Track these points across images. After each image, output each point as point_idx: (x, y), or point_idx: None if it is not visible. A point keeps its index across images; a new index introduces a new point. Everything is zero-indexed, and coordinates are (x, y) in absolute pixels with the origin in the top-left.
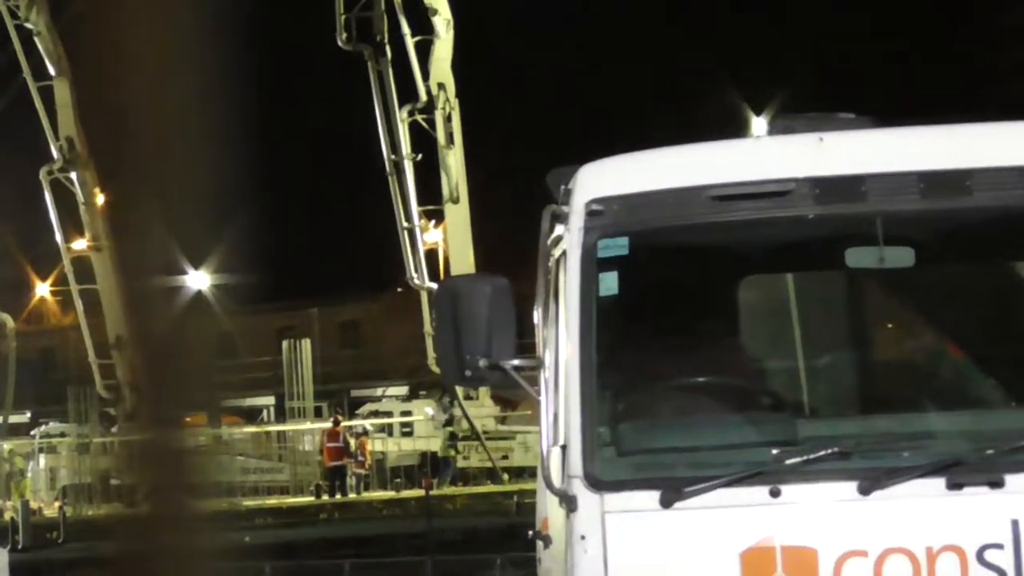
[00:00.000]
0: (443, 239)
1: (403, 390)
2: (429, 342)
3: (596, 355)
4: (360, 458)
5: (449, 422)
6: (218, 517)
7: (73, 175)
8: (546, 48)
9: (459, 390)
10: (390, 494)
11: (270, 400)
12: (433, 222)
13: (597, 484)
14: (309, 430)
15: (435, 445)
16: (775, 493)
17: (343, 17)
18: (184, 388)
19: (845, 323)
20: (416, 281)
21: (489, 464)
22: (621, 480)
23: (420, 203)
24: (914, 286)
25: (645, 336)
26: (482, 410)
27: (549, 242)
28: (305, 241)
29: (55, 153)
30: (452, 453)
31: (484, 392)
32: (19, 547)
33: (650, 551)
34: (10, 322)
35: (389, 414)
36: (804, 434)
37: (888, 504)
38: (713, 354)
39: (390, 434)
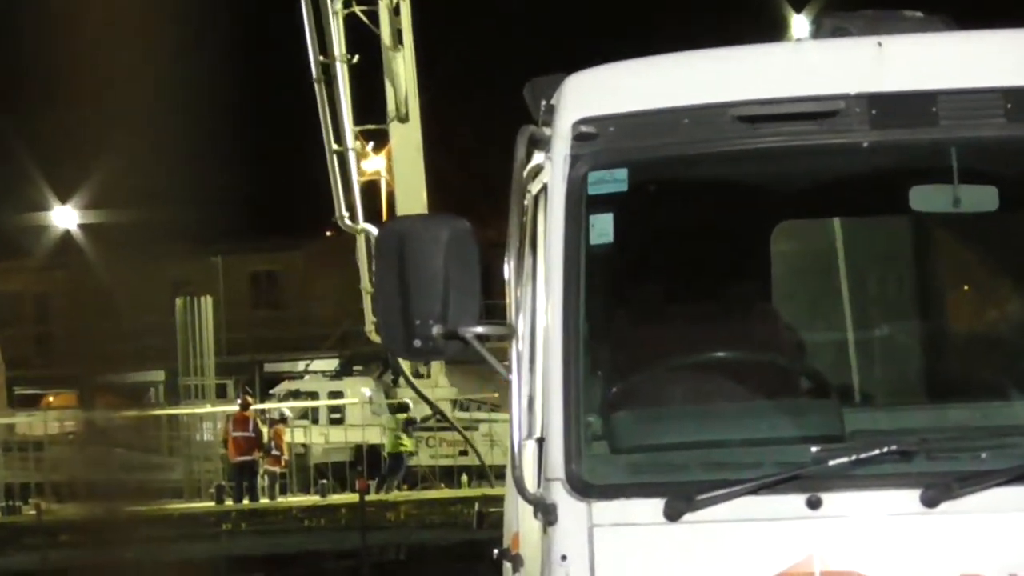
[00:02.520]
0: (387, 168)
1: (332, 364)
2: (367, 302)
3: (585, 322)
4: (275, 452)
5: (404, 408)
6: (92, 526)
7: None
8: None
9: (406, 365)
10: (314, 499)
11: (159, 376)
12: (373, 145)
13: (584, 489)
14: (209, 415)
15: (372, 436)
16: (814, 503)
17: None
18: (51, 357)
19: (907, 284)
20: (350, 223)
21: (447, 461)
22: (615, 484)
23: (357, 122)
24: (997, 236)
25: (649, 298)
26: (435, 391)
27: (525, 174)
28: (208, 170)
29: None
30: (405, 447)
31: (437, 368)
32: None
33: (651, 574)
34: None
35: (314, 395)
36: (853, 427)
37: (960, 519)
38: (736, 323)
39: (315, 421)
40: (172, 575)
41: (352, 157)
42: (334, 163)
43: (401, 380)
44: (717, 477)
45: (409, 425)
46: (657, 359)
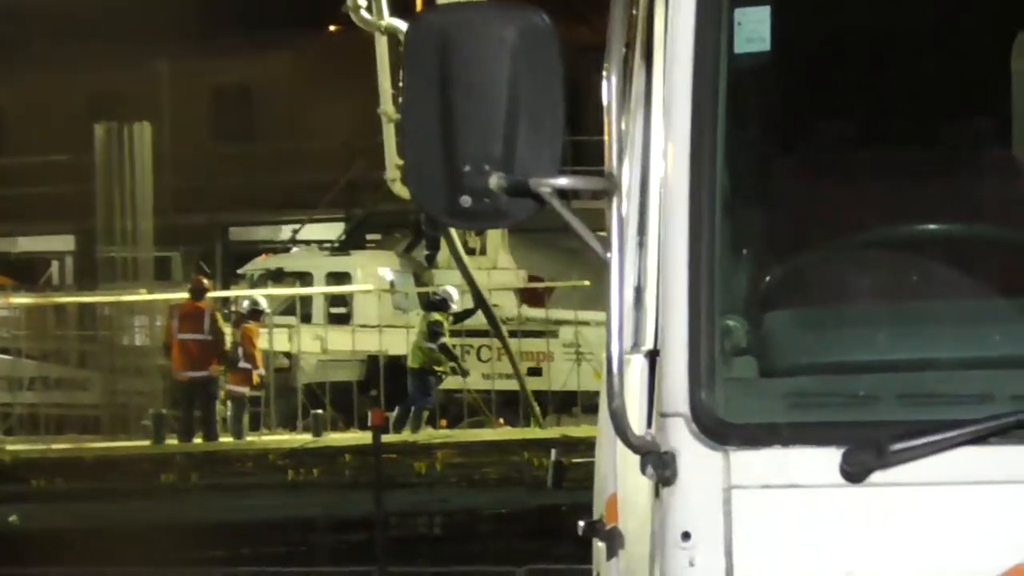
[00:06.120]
0: None
1: (334, 231)
2: (389, 135)
3: (725, 172)
4: (243, 364)
5: (441, 304)
6: None
7: None
8: None
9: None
10: (302, 439)
11: (67, 243)
12: None
13: (719, 431)
14: (144, 305)
15: (394, 343)
16: None
17: None
18: None
19: None
20: (367, 15)
21: (508, 383)
22: (767, 424)
23: None
24: None
25: (823, 138)
26: (492, 276)
27: None
28: None
29: None
30: (440, 364)
31: (497, 240)
32: None
33: (820, 565)
34: None
35: (305, 278)
36: None
37: None
38: (957, 179)
39: (306, 319)
40: (77, 551)
41: None
42: None
43: (440, 257)
44: (924, 416)
45: (435, 334)
46: (835, 232)
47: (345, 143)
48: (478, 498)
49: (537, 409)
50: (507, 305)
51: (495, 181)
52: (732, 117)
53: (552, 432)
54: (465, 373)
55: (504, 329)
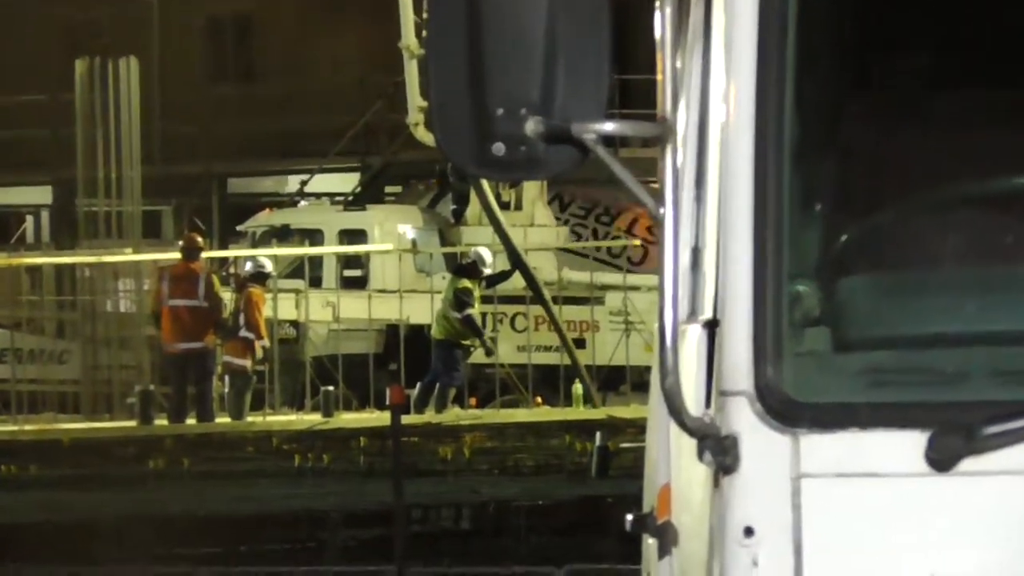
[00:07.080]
0: None
1: (348, 182)
2: (411, 73)
3: (794, 117)
4: (245, 334)
5: (471, 268)
6: None
7: None
8: None
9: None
10: (311, 419)
11: (43, 195)
12: None
13: (787, 412)
14: (130, 267)
15: (417, 311)
16: None
17: None
18: None
19: None
20: None
21: (545, 357)
22: (842, 404)
23: None
24: None
25: (905, 77)
26: (530, 233)
27: None
28: None
29: None
30: (467, 337)
31: (535, 193)
32: None
33: (900, 565)
34: None
35: (315, 236)
36: None
37: None
38: None
39: (315, 283)
40: (53, 546)
41: None
42: None
43: (469, 213)
44: (1022, 396)
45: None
46: (920, 185)
47: (360, 82)
48: (511, 488)
49: (591, 386)
50: (546, 267)
51: (532, 126)
52: (802, 53)
53: (597, 413)
54: (490, 351)
55: (548, 294)
